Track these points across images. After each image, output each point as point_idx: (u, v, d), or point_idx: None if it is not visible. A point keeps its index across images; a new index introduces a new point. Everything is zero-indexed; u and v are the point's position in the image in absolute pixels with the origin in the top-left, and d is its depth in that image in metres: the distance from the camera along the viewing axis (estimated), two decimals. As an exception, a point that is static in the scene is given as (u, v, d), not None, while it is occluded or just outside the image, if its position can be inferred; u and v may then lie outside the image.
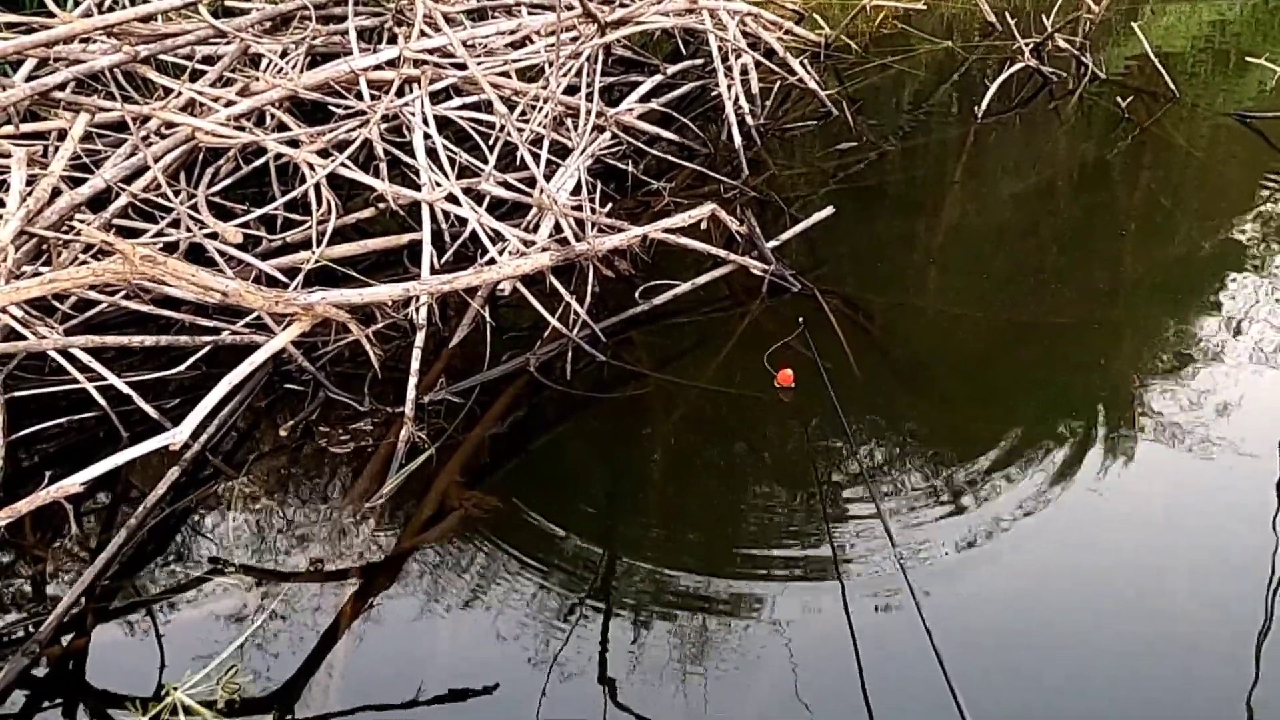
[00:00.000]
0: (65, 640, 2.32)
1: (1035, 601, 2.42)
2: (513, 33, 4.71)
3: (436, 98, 4.14)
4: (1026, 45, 6.06)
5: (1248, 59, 6.07)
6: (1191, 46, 6.97)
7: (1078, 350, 3.41)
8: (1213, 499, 2.72)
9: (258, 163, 3.90)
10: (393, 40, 4.47)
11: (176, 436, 2.44)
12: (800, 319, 3.34)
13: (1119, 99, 5.62)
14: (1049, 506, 2.67)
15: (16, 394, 2.90)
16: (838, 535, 2.57)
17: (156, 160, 3.47)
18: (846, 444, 2.89)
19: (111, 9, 4.15)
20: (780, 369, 3.12)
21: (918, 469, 2.82)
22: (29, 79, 3.71)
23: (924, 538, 2.56)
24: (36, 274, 2.88)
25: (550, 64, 4.17)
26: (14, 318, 2.82)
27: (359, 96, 4.03)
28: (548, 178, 3.72)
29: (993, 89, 5.55)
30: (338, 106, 4.03)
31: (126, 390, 2.83)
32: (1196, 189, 4.92)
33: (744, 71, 5.21)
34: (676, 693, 2.19)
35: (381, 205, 3.80)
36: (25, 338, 2.83)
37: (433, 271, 3.33)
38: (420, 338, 3.09)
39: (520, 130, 3.86)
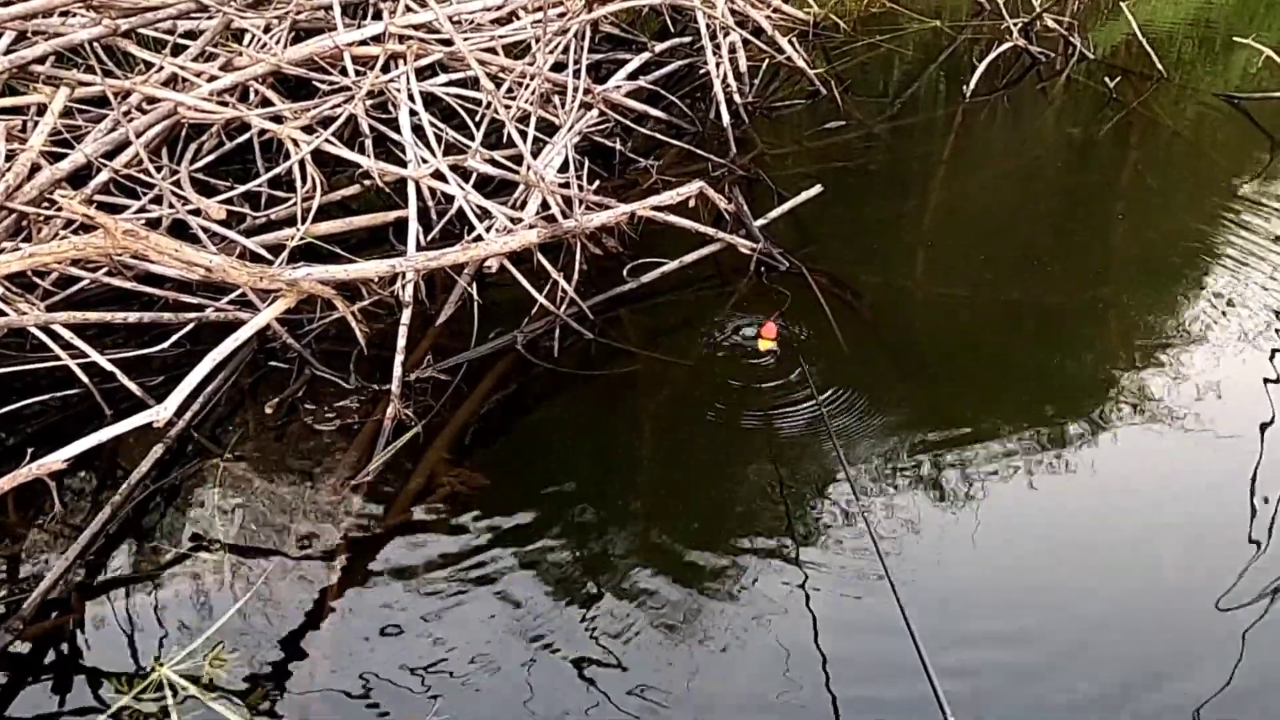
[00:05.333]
0: (49, 618, 2.31)
1: (1026, 579, 2.43)
2: (499, 8, 4.67)
3: (422, 74, 4.10)
4: (1015, 25, 6.06)
5: (1235, 40, 6.08)
6: (1179, 27, 6.97)
7: (1067, 329, 3.43)
8: (1200, 474, 2.74)
9: (241, 139, 3.85)
10: (378, 15, 4.42)
11: (161, 413, 2.42)
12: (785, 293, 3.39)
13: (1107, 79, 5.62)
14: (1038, 482, 2.69)
15: (-3, 371, 2.87)
16: (828, 511, 2.58)
17: (138, 135, 3.43)
18: (844, 419, 2.90)
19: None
20: (764, 324, 3.17)
21: (906, 447, 2.82)
22: (7, 52, 3.65)
23: (910, 513, 2.58)
24: (16, 250, 2.84)
25: (537, 40, 4.13)
26: (-6, 294, 2.79)
27: (344, 72, 3.99)
28: (535, 155, 3.69)
29: (981, 69, 5.55)
30: (322, 82, 3.99)
31: (109, 367, 2.80)
32: (1183, 169, 4.93)
33: (732, 49, 5.18)
34: (666, 667, 2.20)
35: (367, 182, 3.77)
36: (6, 314, 2.79)
37: (419, 249, 3.31)
38: (407, 315, 3.06)
39: (507, 107, 3.82)
